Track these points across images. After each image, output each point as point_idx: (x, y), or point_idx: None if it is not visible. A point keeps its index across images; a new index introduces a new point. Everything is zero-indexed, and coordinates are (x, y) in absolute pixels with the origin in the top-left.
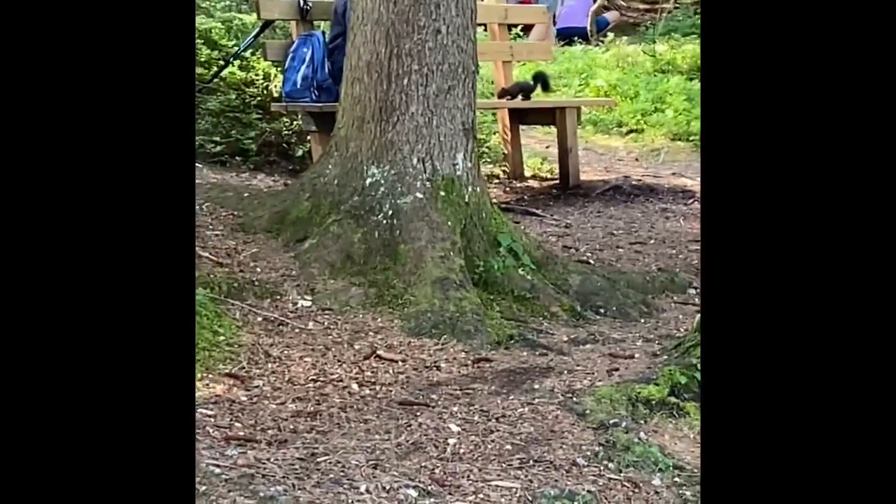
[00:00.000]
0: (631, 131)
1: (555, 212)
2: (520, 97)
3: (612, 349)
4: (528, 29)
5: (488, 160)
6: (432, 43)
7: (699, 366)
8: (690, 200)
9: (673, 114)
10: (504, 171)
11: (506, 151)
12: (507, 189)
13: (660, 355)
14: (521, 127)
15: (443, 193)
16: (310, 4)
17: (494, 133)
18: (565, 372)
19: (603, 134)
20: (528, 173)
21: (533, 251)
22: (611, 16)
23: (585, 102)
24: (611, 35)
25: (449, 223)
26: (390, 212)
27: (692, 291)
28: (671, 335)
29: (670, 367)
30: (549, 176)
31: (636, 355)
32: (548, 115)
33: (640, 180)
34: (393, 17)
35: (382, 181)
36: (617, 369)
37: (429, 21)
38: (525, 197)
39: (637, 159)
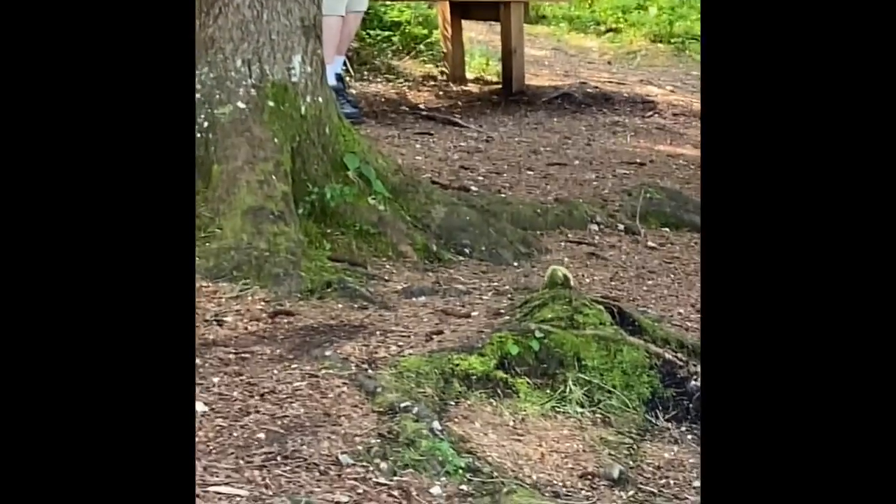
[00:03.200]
0: (609, 30)
1: (484, 122)
2: None
3: (449, 304)
4: None
5: (426, 59)
6: None
7: (538, 332)
8: (649, 113)
9: (657, 12)
10: (443, 73)
11: (445, 50)
12: (441, 93)
13: (504, 314)
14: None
15: (271, 103)
16: None
17: (436, 28)
18: (377, 333)
19: (578, 32)
20: (471, 75)
21: (390, 175)
22: None
23: None
24: None
25: (276, 140)
26: (206, 124)
27: (593, 227)
28: (535, 287)
29: (502, 334)
30: (495, 79)
31: (474, 313)
32: (492, 10)
33: (597, 87)
34: None
35: (199, 86)
36: (441, 332)
37: None
38: (459, 103)
39: (609, 62)
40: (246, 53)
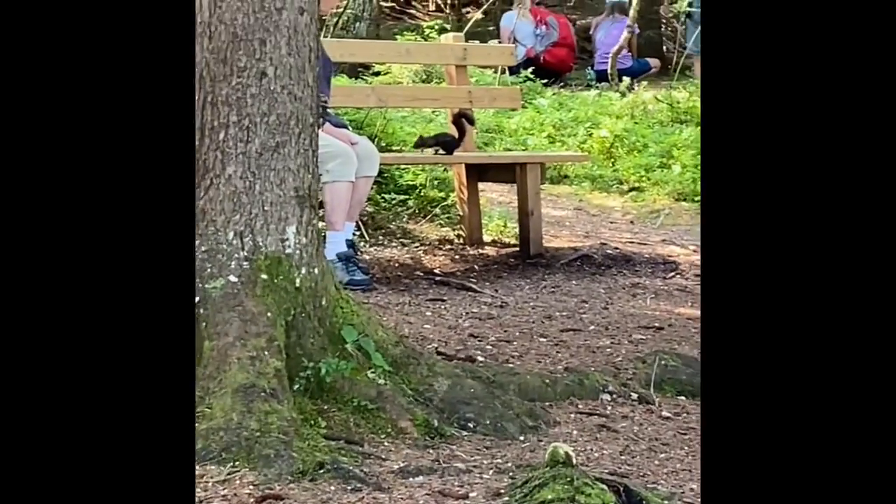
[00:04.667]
0: (632, 189)
1: (501, 286)
2: (438, 151)
3: (447, 484)
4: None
5: (442, 223)
6: (255, 89)
7: None
8: (671, 274)
9: (680, 170)
10: (459, 236)
11: (461, 213)
12: (456, 257)
13: (504, 494)
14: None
15: (265, 276)
16: None
17: (452, 191)
18: None
19: (601, 192)
20: (488, 238)
21: (391, 347)
22: (653, 61)
23: (550, 158)
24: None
25: (269, 314)
26: (196, 298)
27: (605, 397)
28: (539, 463)
29: None
30: (513, 241)
31: (472, 494)
32: (508, 172)
33: (617, 248)
34: (207, 55)
35: None
36: None
37: (251, 61)
38: (475, 267)
39: (632, 222)
40: (238, 225)
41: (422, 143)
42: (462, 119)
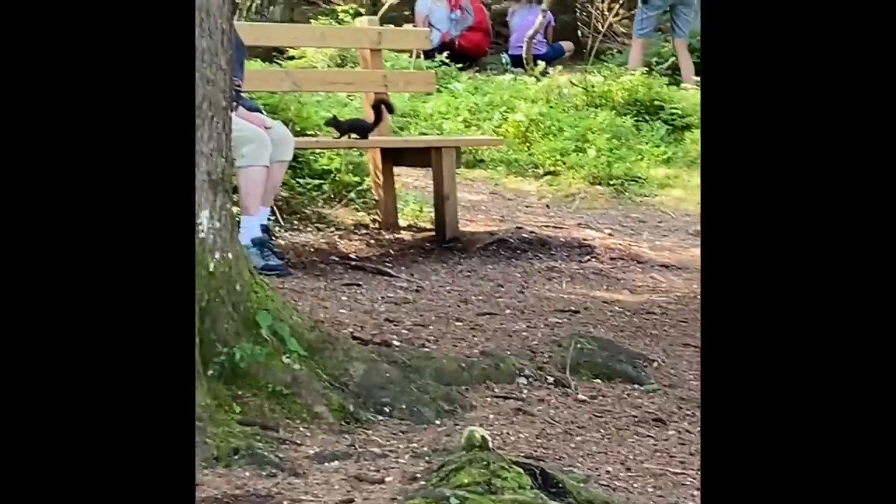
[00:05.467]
0: (547, 173)
1: (417, 270)
2: (351, 136)
3: (363, 469)
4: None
5: (358, 207)
6: None
7: (453, 499)
8: (586, 258)
9: (595, 154)
10: (375, 221)
11: (377, 198)
12: (372, 242)
13: (420, 479)
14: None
15: None
16: None
17: (368, 175)
18: (284, 503)
19: (516, 176)
20: (404, 222)
21: (306, 332)
22: (567, 45)
23: (465, 142)
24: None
25: None
26: None
27: (521, 381)
28: (455, 448)
29: (415, 502)
30: (428, 226)
31: (388, 479)
32: (423, 156)
33: (533, 232)
34: None
35: None
36: (352, 501)
37: None
38: (391, 251)
39: (548, 206)
40: None
41: (335, 124)
42: (381, 105)
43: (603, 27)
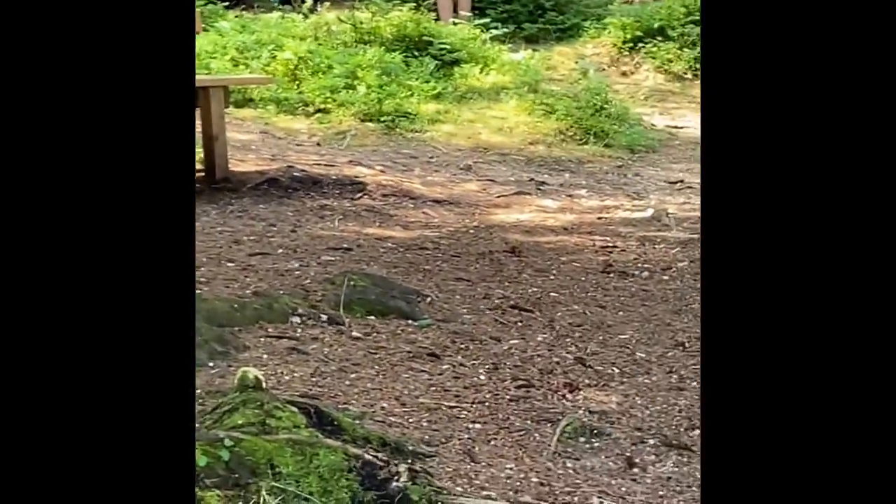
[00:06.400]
0: (318, 111)
1: None
2: None
3: None
4: None
5: None
6: None
7: (228, 441)
8: (358, 195)
9: (365, 90)
10: None
11: None
12: None
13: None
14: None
15: None
16: None
17: None
18: None
19: (286, 114)
20: None
21: None
22: None
23: (234, 81)
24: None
25: None
26: None
27: (294, 320)
28: (229, 390)
29: None
30: (197, 167)
31: None
32: None
33: (304, 171)
34: None
35: None
36: None
37: None
38: None
39: (319, 144)
40: None
41: None
42: None
43: None
